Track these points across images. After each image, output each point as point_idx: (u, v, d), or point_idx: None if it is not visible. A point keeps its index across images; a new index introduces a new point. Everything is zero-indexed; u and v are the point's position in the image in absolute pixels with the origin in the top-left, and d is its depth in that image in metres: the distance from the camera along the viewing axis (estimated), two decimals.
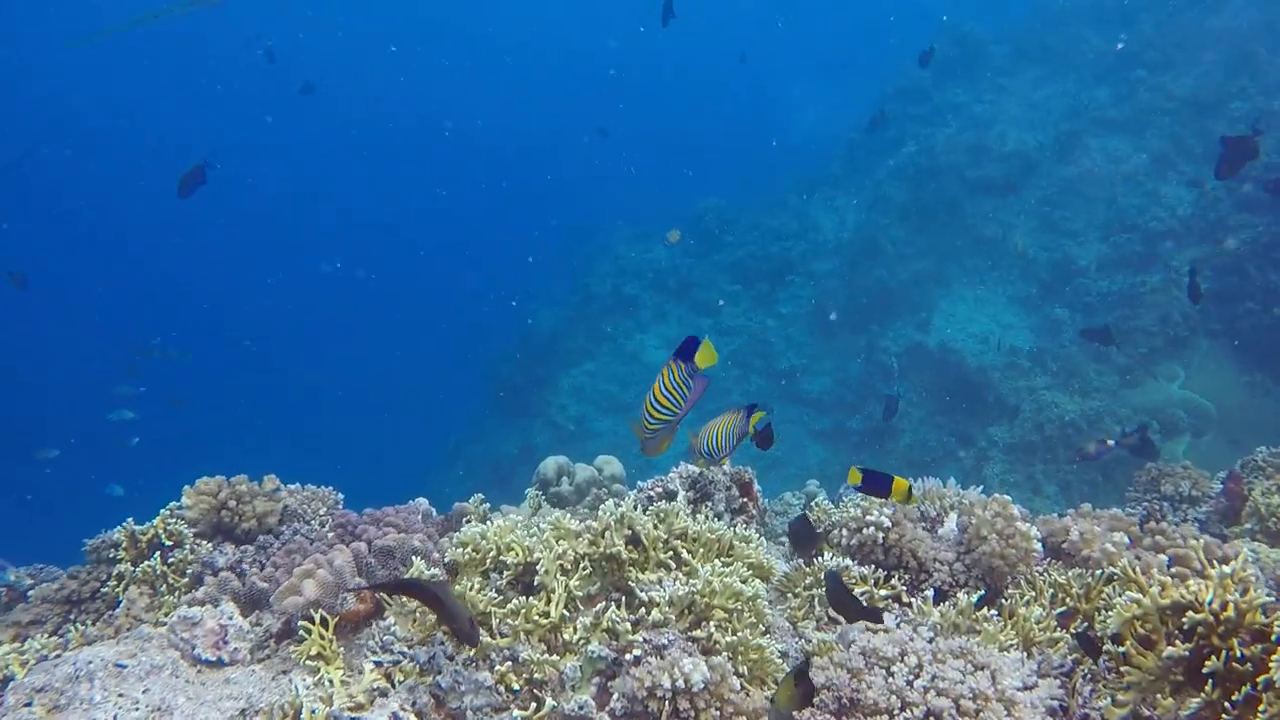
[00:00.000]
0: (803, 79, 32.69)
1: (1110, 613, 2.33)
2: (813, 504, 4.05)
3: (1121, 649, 2.11)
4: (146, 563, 3.31)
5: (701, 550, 2.73)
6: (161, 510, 3.45)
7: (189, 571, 3.29)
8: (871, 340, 14.48)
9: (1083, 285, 13.30)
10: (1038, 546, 2.65)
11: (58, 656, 2.75)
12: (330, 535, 3.25)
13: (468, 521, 4.03)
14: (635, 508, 2.75)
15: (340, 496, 3.88)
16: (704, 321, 17.22)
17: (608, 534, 2.63)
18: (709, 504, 3.12)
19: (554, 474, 5.57)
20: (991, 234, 14.84)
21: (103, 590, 3.36)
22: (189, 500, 3.43)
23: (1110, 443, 8.02)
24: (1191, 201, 12.70)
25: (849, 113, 20.49)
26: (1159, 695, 2.01)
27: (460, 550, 2.69)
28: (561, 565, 2.57)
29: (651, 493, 3.26)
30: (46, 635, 3.21)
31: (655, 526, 2.72)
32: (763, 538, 3.21)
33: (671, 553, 2.71)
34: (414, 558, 2.68)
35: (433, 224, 38.33)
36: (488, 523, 4.12)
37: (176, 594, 3.22)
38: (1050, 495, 10.67)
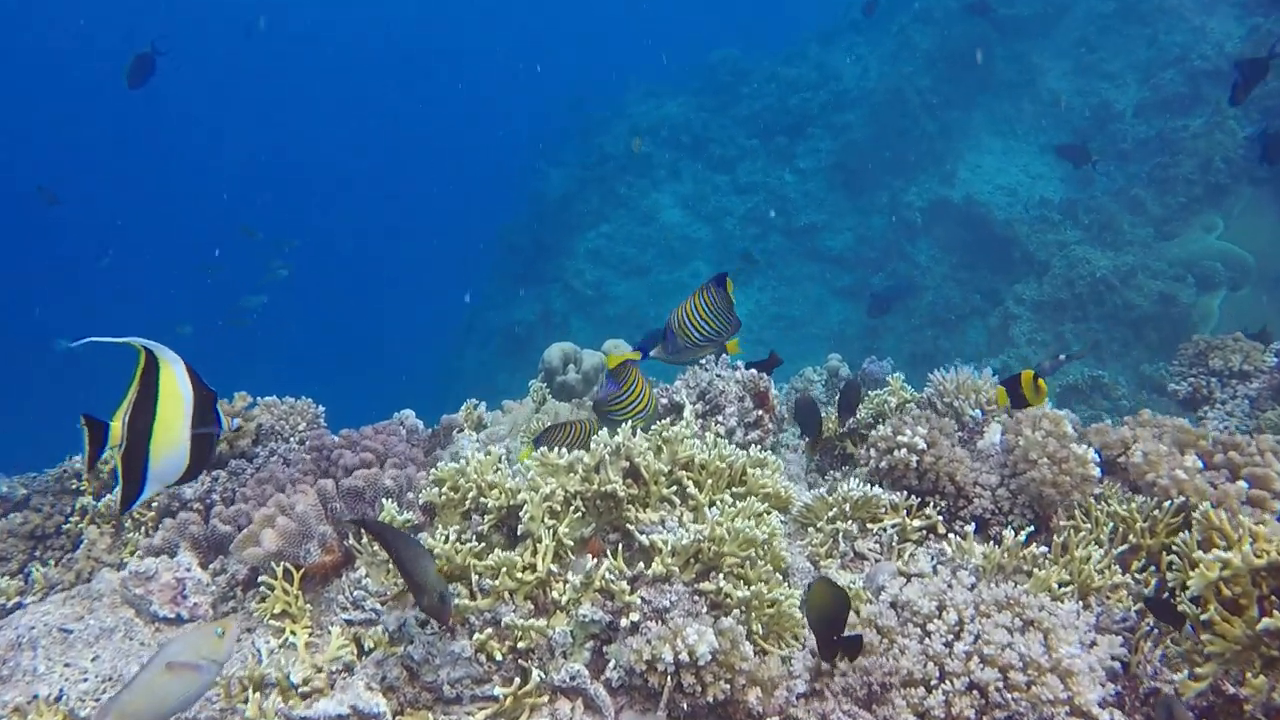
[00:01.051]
0: None
1: (1179, 557, 2.01)
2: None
3: (1204, 615, 1.80)
4: (110, 495, 3.06)
5: (710, 481, 2.41)
6: None
7: (155, 504, 3.03)
8: (894, 195, 13.89)
9: (1118, 131, 12.60)
10: (1095, 472, 2.31)
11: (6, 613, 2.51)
12: (306, 458, 2.96)
13: (460, 433, 3.74)
14: (634, 432, 2.43)
15: (320, 410, 3.58)
16: (721, 178, 16.60)
17: (602, 469, 2.31)
18: (719, 418, 2.79)
19: (559, 362, 5.25)
20: (1022, 79, 14.02)
21: (66, 525, 3.11)
22: None
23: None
24: (1241, 36, 11.84)
25: None
26: (1248, 671, 1.71)
27: (436, 490, 2.39)
28: (550, 507, 2.26)
29: (661, 400, 2.93)
30: (9, 577, 2.98)
31: (657, 455, 2.39)
32: (780, 457, 2.90)
33: (676, 486, 2.40)
34: (384, 500, 2.38)
35: (435, 87, 37.11)
36: (481, 430, 3.83)
37: (143, 529, 2.97)
38: (1090, 363, 10.31)
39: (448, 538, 2.21)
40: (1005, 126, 14.00)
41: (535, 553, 2.20)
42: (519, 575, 2.13)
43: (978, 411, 3.44)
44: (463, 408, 3.89)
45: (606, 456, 2.32)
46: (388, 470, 2.54)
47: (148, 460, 1.78)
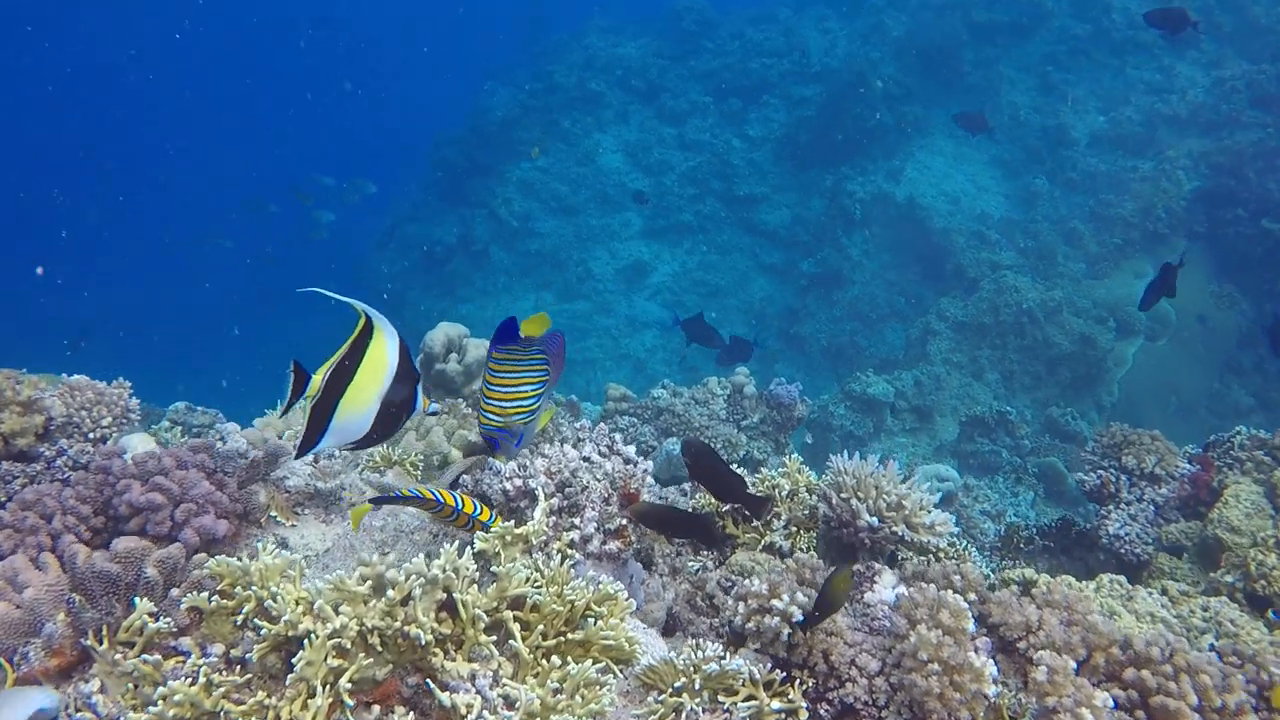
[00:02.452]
0: None
1: None
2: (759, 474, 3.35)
3: None
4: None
5: (542, 627, 2.02)
6: None
7: None
8: (839, 181, 13.52)
9: (1069, 158, 12.40)
10: (990, 690, 1.98)
11: None
12: (88, 483, 2.47)
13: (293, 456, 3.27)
14: (460, 552, 2.00)
15: (134, 403, 3.07)
16: (668, 130, 16.02)
17: (411, 604, 1.90)
18: (577, 521, 2.38)
19: (441, 348, 4.77)
20: (986, 86, 13.70)
21: None
22: None
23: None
24: (1206, 87, 11.68)
25: None
26: None
27: (203, 594, 1.94)
28: (339, 645, 1.84)
29: (510, 485, 2.50)
30: None
31: (481, 591, 1.98)
32: (634, 596, 2.51)
33: (501, 628, 2.00)
34: (137, 599, 1.92)
35: None
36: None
37: None
38: (991, 383, 10.18)
39: (196, 674, 1.78)
40: (960, 132, 13.70)
41: (305, 706, 1.78)
42: None
43: (874, 519, 3.11)
44: (288, 432, 3.41)
45: (417, 591, 1.90)
46: (157, 549, 2.08)
47: (332, 417, 1.93)
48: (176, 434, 5.14)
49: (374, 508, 2.51)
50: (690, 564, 3.19)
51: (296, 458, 2.20)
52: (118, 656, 1.89)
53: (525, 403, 2.26)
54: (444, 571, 1.94)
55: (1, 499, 2.61)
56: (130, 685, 1.88)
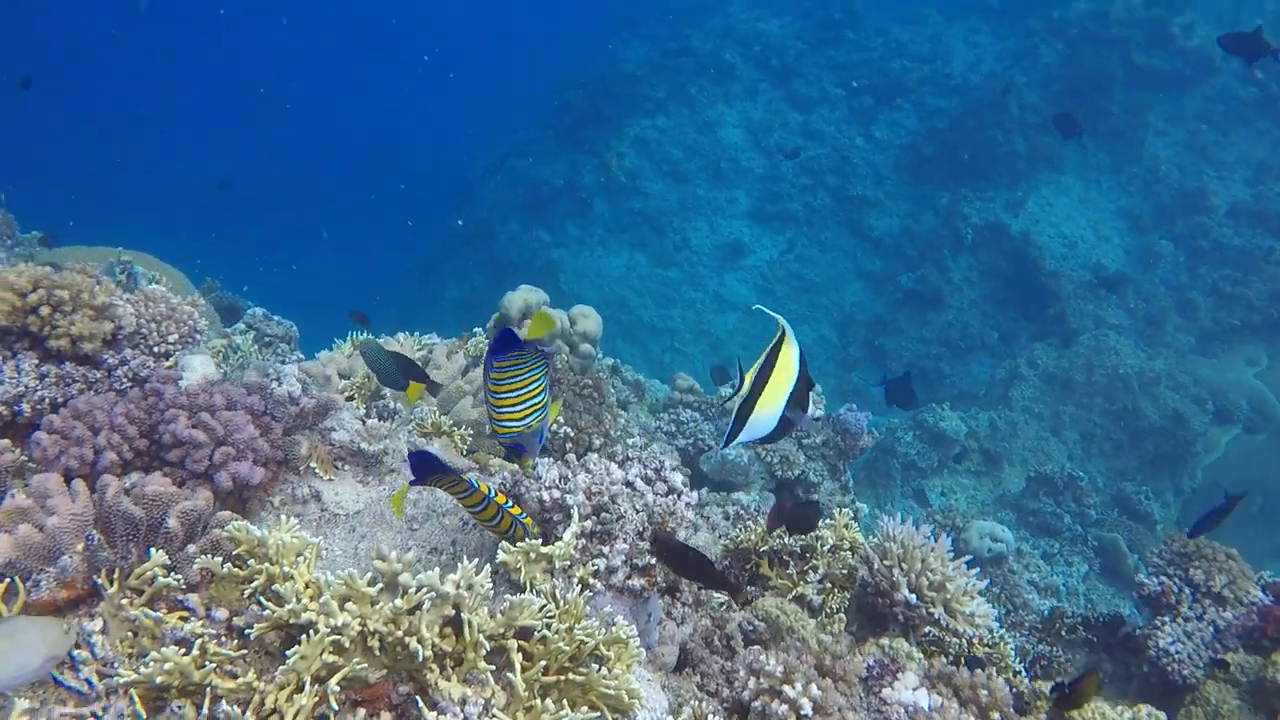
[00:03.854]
0: None
1: None
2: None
3: None
4: None
5: (544, 663, 1.96)
6: None
7: None
8: (956, 201, 13.12)
9: (1202, 225, 11.83)
10: None
11: None
12: (138, 403, 2.47)
13: (350, 400, 3.25)
14: (477, 570, 1.95)
15: (200, 322, 3.08)
16: (794, 116, 15.69)
17: (418, 615, 1.85)
18: (605, 550, 2.31)
19: (517, 314, 4.74)
20: (1130, 132, 13.10)
21: None
22: None
23: None
24: None
25: None
26: None
27: (217, 558, 1.92)
28: (338, 643, 1.80)
29: (547, 496, 2.44)
30: None
31: (487, 616, 1.93)
32: (648, 635, 2.43)
33: (502, 656, 1.94)
34: (153, 550, 1.90)
35: None
36: (378, 400, 3.34)
37: None
38: (1068, 442, 9.85)
39: (194, 642, 1.76)
40: (1093, 174, 13.17)
41: (290, 700, 1.75)
42: None
43: (913, 596, 2.99)
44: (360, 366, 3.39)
45: (426, 603, 1.85)
46: (183, 499, 2.06)
47: (750, 415, 2.12)
48: (249, 340, 5.20)
49: (412, 486, 2.45)
50: (716, 597, 3.11)
51: (722, 448, 2.32)
52: (124, 601, 1.88)
53: (534, 401, 2.20)
54: (457, 588, 1.88)
55: (60, 400, 2.62)
56: (130, 633, 1.88)
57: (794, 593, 3.14)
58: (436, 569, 1.87)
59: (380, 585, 1.88)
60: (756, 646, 2.95)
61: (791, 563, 3.23)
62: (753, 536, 3.23)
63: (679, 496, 2.58)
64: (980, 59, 15.09)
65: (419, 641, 1.82)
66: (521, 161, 17.16)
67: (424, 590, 1.84)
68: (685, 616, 2.87)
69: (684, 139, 16.04)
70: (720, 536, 3.64)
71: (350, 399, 3.17)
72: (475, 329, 4.59)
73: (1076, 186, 13.23)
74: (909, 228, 13.81)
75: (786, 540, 3.22)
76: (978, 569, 3.13)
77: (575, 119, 16.66)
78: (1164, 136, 12.94)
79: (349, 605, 1.83)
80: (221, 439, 2.43)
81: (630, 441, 2.74)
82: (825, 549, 3.20)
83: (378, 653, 1.86)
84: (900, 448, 9.26)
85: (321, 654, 1.78)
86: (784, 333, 2.09)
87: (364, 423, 3.01)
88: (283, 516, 2.03)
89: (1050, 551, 8.28)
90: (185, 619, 1.91)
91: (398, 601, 1.82)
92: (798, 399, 2.10)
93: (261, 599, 1.87)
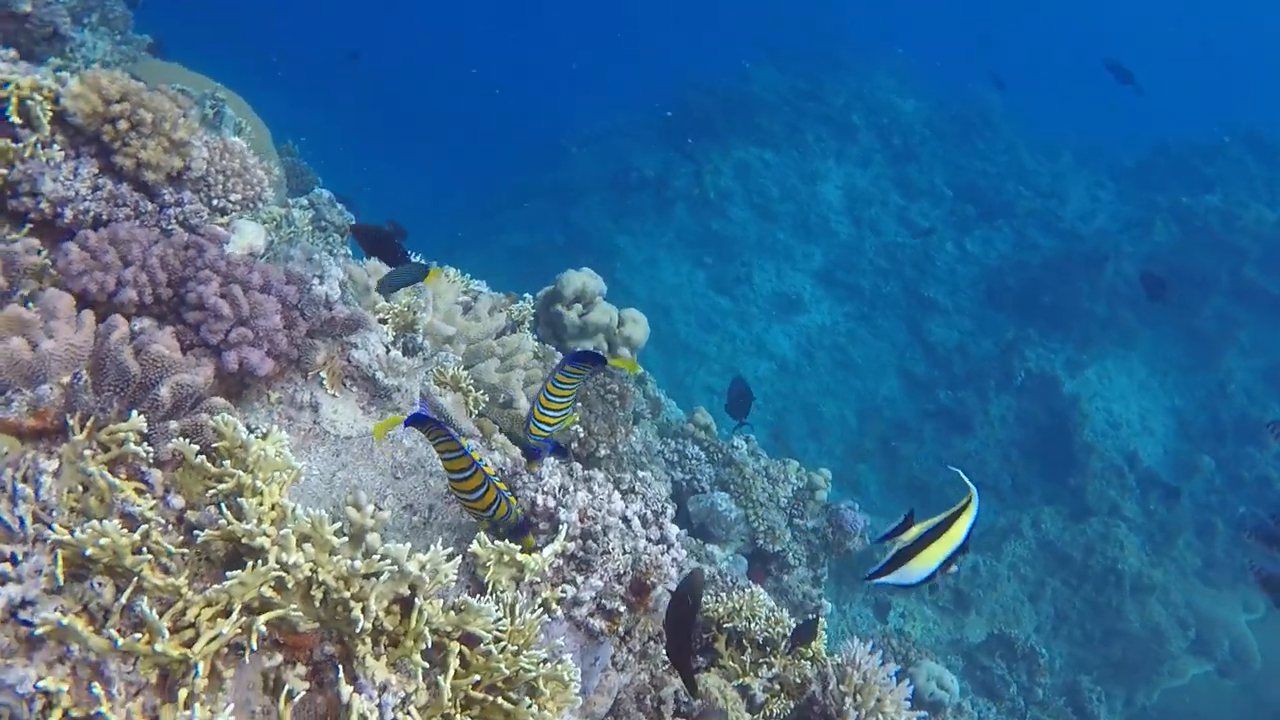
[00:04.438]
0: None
1: None
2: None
3: None
4: None
5: (479, 677, 1.82)
6: (38, 73, 2.55)
7: (12, 176, 2.43)
8: (1019, 341, 12.89)
9: (1250, 457, 11.57)
10: None
11: None
12: (176, 249, 2.35)
13: (382, 322, 3.12)
14: (448, 557, 1.82)
15: (267, 191, 2.96)
16: (895, 198, 15.49)
17: (371, 581, 1.72)
18: (579, 580, 2.17)
19: (571, 294, 4.61)
20: (1215, 335, 12.84)
21: None
22: (76, 89, 2.51)
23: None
24: None
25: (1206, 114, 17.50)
26: None
27: (193, 445, 1.80)
28: (280, 580, 1.67)
29: (540, 501, 2.29)
30: None
31: (439, 609, 1.79)
32: (589, 681, 2.29)
33: (439, 654, 1.81)
34: (135, 411, 1.77)
35: None
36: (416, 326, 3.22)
37: None
38: (1043, 614, 9.62)
39: (140, 525, 1.63)
40: (1162, 365, 12.92)
41: (212, 622, 1.62)
42: (152, 647, 1.55)
43: None
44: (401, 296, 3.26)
45: (385, 572, 1.71)
46: (183, 370, 1.93)
47: (905, 564, 2.15)
48: (305, 219, 5.09)
49: (404, 426, 2.30)
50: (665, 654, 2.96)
51: (864, 580, 2.29)
52: (88, 453, 1.75)
53: (568, 412, 2.21)
54: (420, 569, 1.75)
55: (103, 219, 2.51)
56: (81, 487, 1.75)
57: (741, 680, 2.99)
58: (406, 545, 1.74)
59: (346, 537, 1.75)
60: None
61: (749, 649, 3.08)
62: (720, 609, 3.09)
63: (669, 549, 2.44)
64: (1095, 212, 14.86)
65: (363, 610, 1.69)
66: (621, 141, 17.05)
67: (386, 561, 1.71)
68: (627, 665, 2.72)
69: (784, 179, 15.88)
70: None
71: (382, 321, 3.04)
72: (525, 295, 4.47)
73: (1141, 371, 12.99)
74: (965, 346, 13.60)
75: (751, 626, 3.07)
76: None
77: (686, 121, 16.53)
78: (1245, 358, 12.67)
79: (306, 546, 1.70)
80: (244, 318, 2.31)
81: (642, 475, 2.59)
82: (786, 650, 3.05)
83: (317, 604, 1.72)
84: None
85: (261, 585, 1.66)
86: (969, 502, 2.12)
87: (387, 351, 2.89)
88: (275, 425, 1.90)
89: (985, 717, 8.09)
90: (140, 493, 1.79)
91: (356, 563, 1.68)
92: (950, 561, 2.15)
93: (223, 505, 1.74)
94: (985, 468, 12.25)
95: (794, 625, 3.16)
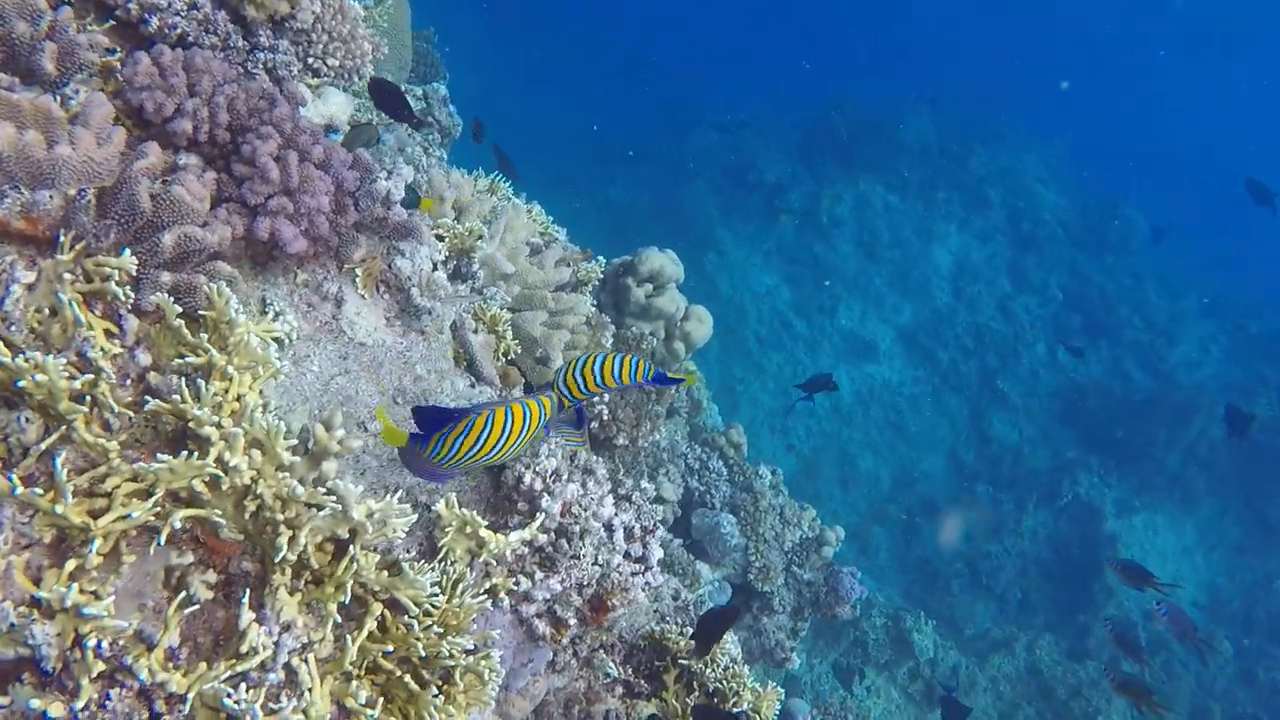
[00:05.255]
0: None
1: None
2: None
3: None
4: None
5: (392, 647, 1.65)
6: None
7: None
8: (1076, 464, 12.43)
9: (1271, 656, 11.04)
10: None
11: None
12: (250, 92, 2.20)
13: (439, 239, 2.95)
14: (384, 521, 1.65)
15: (366, 68, 2.79)
16: (1004, 282, 14.97)
17: (309, 513, 1.55)
18: (536, 576, 1.98)
19: (646, 272, 4.41)
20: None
21: None
22: None
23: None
24: None
25: None
26: None
27: (177, 306, 1.64)
28: (216, 480, 1.51)
29: (528, 478, 2.11)
30: None
31: (370, 563, 1.62)
32: (516, 682, 2.11)
33: (358, 608, 1.64)
34: (128, 250, 1.61)
35: None
36: (478, 247, 3.04)
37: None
38: None
39: (97, 371, 1.48)
40: (1215, 537, 12.39)
41: (128, 500, 1.47)
42: (56, 510, 1.39)
43: None
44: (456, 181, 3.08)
45: (326, 512, 1.54)
46: (199, 223, 1.77)
47: None
48: (409, 102, 4.94)
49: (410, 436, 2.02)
50: (611, 671, 2.77)
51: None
52: (67, 276, 1.61)
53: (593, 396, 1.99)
54: (367, 516, 1.58)
55: (187, 40, 2.36)
56: (48, 311, 1.60)
57: None
58: (359, 487, 1.56)
59: (301, 456, 1.58)
60: None
61: (697, 693, 2.89)
62: (682, 644, 2.89)
63: (644, 573, 2.24)
64: (1201, 364, 14.24)
65: (289, 541, 1.52)
66: (752, 138, 16.75)
67: (331, 497, 1.53)
68: (567, 667, 2.55)
69: (900, 227, 15.48)
70: (657, 613, 3.30)
71: (440, 238, 2.88)
72: (599, 256, 4.28)
73: (1191, 535, 12.48)
74: (1021, 450, 13.16)
75: (707, 671, 2.87)
76: None
77: (823, 139, 16.20)
78: None
79: (254, 452, 1.54)
80: (290, 189, 2.15)
81: (644, 485, 2.40)
82: (735, 709, 2.85)
83: (247, 515, 1.56)
84: (865, 624, 8.82)
85: (194, 479, 1.49)
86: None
87: (434, 269, 2.72)
88: (290, 308, 1.73)
89: None
90: (110, 337, 1.64)
91: (299, 488, 1.51)
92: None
93: (183, 380, 1.58)
94: (999, 574, 11.87)
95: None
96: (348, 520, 1.55)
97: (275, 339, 2.26)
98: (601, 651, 2.80)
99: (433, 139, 4.94)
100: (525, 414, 1.89)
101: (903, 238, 15.21)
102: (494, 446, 1.85)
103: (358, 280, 2.50)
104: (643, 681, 2.94)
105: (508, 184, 4.26)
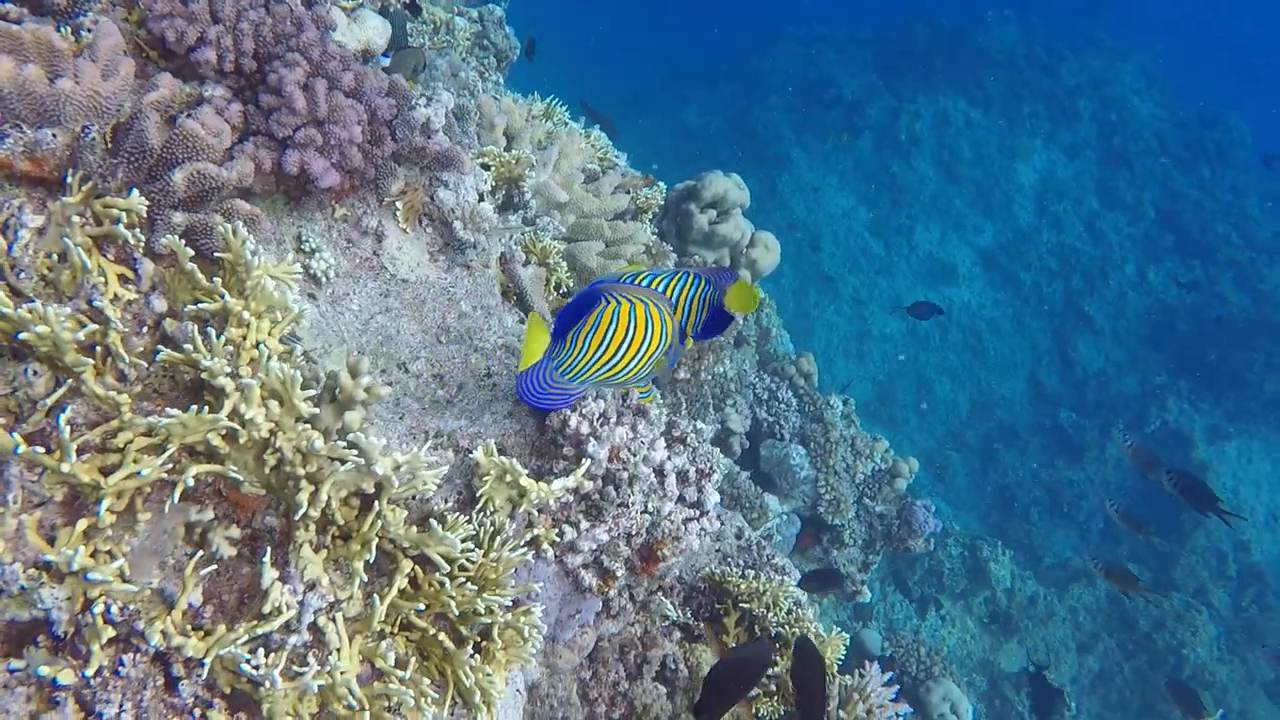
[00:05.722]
0: None
1: None
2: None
3: None
4: None
5: (423, 605, 1.57)
6: None
7: None
8: (1165, 389, 11.97)
9: None
10: None
11: None
12: (282, 31, 2.08)
13: (485, 168, 2.82)
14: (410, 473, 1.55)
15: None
16: (1091, 200, 14.30)
17: (334, 464, 1.46)
18: (582, 525, 1.88)
19: (710, 196, 4.23)
20: None
21: None
22: None
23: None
24: None
25: None
26: None
27: (188, 248, 1.55)
28: (232, 433, 1.43)
29: (574, 423, 1.99)
30: None
31: (399, 517, 1.54)
32: (562, 633, 2.03)
33: (388, 563, 1.57)
34: (136, 190, 1.52)
35: None
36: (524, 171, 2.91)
37: None
38: (1086, 667, 9.12)
39: (106, 323, 1.40)
40: None
41: (138, 458, 1.39)
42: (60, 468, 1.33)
43: None
44: (509, 105, 2.95)
45: (348, 465, 1.46)
46: (210, 162, 1.66)
47: None
48: (467, 32, 4.80)
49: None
50: (670, 614, 2.69)
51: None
52: (76, 219, 1.52)
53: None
54: (394, 470, 1.49)
55: None
56: (57, 257, 1.52)
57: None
58: (382, 440, 1.47)
59: (325, 405, 1.49)
60: (663, 689, 2.57)
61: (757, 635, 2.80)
62: (742, 585, 2.80)
63: (699, 519, 2.13)
64: None
65: (310, 497, 1.44)
66: (828, 52, 16.18)
67: (352, 452, 1.44)
68: (622, 611, 2.47)
69: (982, 144, 14.89)
70: (719, 552, 3.21)
71: (485, 167, 2.75)
72: (660, 182, 4.11)
73: None
74: (1107, 374, 12.73)
75: (768, 615, 2.77)
76: None
77: (903, 51, 15.56)
78: None
79: (272, 404, 1.45)
80: (319, 119, 2.04)
81: (700, 426, 2.28)
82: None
83: (268, 470, 1.48)
84: (940, 553, 8.68)
85: (209, 432, 1.41)
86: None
87: (480, 199, 2.59)
88: (326, 247, 1.63)
89: None
90: (125, 281, 1.56)
91: (317, 442, 1.42)
92: None
93: (194, 328, 1.49)
94: (1082, 502, 11.59)
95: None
96: (371, 474, 1.46)
97: (313, 276, 2.18)
98: (660, 594, 2.73)
99: (488, 63, 4.79)
100: (661, 318, 1.78)
101: (985, 155, 14.64)
102: (619, 349, 1.75)
103: (398, 214, 2.39)
104: (702, 625, 2.86)
105: (563, 108, 4.10)
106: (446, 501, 1.83)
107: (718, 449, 2.35)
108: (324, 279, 2.18)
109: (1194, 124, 15.18)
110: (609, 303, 1.73)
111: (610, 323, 1.75)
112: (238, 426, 1.42)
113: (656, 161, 7.34)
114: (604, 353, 1.76)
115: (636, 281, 1.80)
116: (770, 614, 2.79)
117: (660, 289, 1.80)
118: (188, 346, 1.44)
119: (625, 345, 1.76)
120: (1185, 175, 14.48)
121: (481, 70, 4.58)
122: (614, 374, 1.79)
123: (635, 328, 1.76)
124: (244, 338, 1.51)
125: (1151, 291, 13.36)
